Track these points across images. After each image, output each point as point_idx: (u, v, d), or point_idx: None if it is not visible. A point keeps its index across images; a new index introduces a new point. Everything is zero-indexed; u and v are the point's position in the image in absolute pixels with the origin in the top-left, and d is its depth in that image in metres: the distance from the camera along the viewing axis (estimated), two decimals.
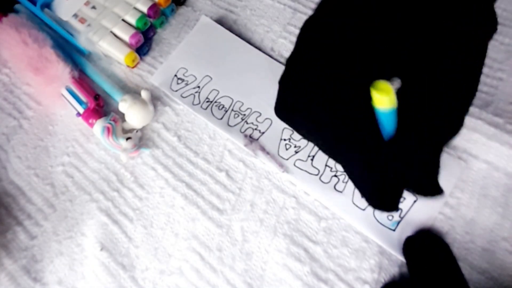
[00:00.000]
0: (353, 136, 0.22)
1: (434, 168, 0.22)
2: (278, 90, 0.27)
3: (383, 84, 0.19)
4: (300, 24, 0.40)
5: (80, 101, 0.37)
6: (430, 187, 0.23)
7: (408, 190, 0.24)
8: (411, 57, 0.21)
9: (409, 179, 0.23)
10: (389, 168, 0.22)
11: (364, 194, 0.25)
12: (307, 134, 0.26)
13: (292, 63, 0.26)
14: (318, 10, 0.25)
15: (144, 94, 0.37)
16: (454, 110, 0.21)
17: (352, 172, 0.24)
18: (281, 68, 0.36)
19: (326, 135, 0.23)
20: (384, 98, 0.19)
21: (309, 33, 0.25)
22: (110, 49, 0.39)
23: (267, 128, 0.35)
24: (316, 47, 0.24)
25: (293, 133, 0.34)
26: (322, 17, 0.25)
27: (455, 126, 0.22)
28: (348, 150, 0.23)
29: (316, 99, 0.23)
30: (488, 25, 0.22)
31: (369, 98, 0.20)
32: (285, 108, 0.26)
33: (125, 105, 0.36)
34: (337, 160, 0.26)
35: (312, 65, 0.24)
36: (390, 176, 0.23)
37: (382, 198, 0.24)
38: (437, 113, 0.21)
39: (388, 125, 0.21)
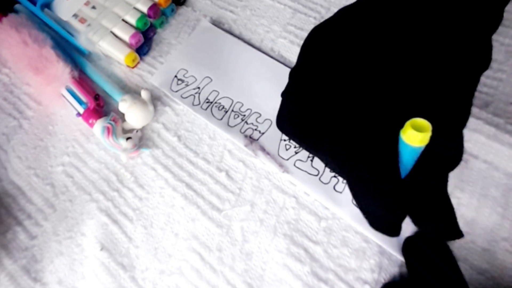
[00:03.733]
0: (368, 165, 0.21)
1: (452, 213, 0.22)
2: (281, 103, 0.27)
3: (421, 122, 0.18)
4: (300, 24, 0.40)
5: (80, 101, 0.37)
6: (451, 233, 0.22)
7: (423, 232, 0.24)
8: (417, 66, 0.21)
9: (426, 223, 0.22)
10: (402, 204, 0.21)
11: (368, 217, 0.24)
12: (311, 149, 0.26)
13: (297, 76, 0.25)
14: (328, 23, 0.25)
15: (144, 94, 0.37)
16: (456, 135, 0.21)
17: (358, 196, 0.24)
18: (281, 68, 0.37)
19: (335, 154, 0.23)
20: (420, 136, 0.18)
21: (316, 44, 0.24)
22: (110, 49, 0.39)
23: (267, 129, 0.35)
24: (324, 59, 0.23)
25: None
26: (330, 29, 0.24)
27: (458, 158, 0.21)
28: (361, 177, 0.22)
29: (330, 116, 0.22)
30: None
31: (392, 125, 0.19)
32: (291, 122, 0.25)
33: (125, 105, 0.36)
34: (343, 177, 0.25)
35: (321, 79, 0.23)
36: (401, 211, 0.22)
37: (387, 227, 0.24)
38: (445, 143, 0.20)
39: (410, 161, 0.20)
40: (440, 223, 0.22)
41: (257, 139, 0.34)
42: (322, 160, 0.27)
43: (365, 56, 0.22)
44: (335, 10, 0.39)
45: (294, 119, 0.25)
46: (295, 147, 0.33)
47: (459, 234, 0.22)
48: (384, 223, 0.24)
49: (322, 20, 0.39)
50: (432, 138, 0.18)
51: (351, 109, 0.22)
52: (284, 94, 0.26)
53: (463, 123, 0.21)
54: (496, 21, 0.23)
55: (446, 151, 0.20)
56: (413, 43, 0.21)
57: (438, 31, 0.21)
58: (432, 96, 0.21)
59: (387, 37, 0.22)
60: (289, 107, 0.26)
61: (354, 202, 0.31)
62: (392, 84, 0.21)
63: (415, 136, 0.18)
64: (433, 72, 0.21)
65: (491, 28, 0.23)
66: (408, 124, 0.19)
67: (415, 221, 0.23)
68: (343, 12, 0.25)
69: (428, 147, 0.19)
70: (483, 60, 0.22)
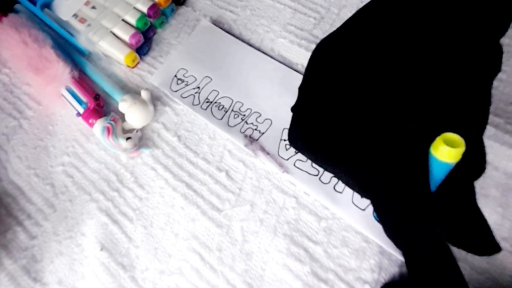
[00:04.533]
0: (398, 182, 0.20)
1: (486, 226, 0.21)
2: (292, 119, 0.26)
3: (453, 136, 0.18)
4: (300, 24, 0.40)
5: (80, 101, 0.37)
6: (488, 247, 0.21)
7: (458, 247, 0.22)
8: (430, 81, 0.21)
9: (464, 241, 0.21)
10: (435, 224, 0.21)
11: (391, 237, 0.24)
12: (327, 166, 0.25)
13: (307, 90, 0.24)
14: (336, 35, 0.24)
15: (144, 94, 0.37)
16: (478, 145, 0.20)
17: (384, 214, 0.23)
18: (281, 68, 0.37)
19: (358, 174, 0.22)
20: (453, 152, 0.18)
21: (324, 58, 0.24)
22: (110, 49, 0.39)
23: (267, 129, 0.35)
24: (334, 72, 0.22)
25: None
26: (337, 42, 0.24)
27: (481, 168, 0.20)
28: (389, 196, 0.21)
29: (345, 132, 0.21)
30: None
31: (415, 138, 0.19)
32: (303, 139, 0.25)
33: (125, 105, 0.36)
34: (365, 195, 0.25)
35: (332, 94, 0.22)
36: (431, 233, 0.21)
37: (412, 246, 0.23)
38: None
39: (440, 176, 0.19)
40: (475, 238, 0.21)
41: (257, 139, 0.34)
42: (339, 178, 0.26)
43: (375, 68, 0.22)
44: (335, 10, 0.40)
45: (306, 135, 0.24)
46: None
47: (496, 248, 0.21)
48: (410, 243, 0.23)
49: (321, 21, 0.39)
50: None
51: (366, 123, 0.21)
52: (294, 110, 0.26)
53: (482, 129, 0.20)
54: (506, 23, 0.23)
55: (470, 160, 0.20)
56: (423, 51, 0.21)
57: (447, 39, 0.21)
58: (449, 105, 0.20)
59: (396, 48, 0.21)
60: (300, 123, 0.25)
61: (354, 202, 0.31)
62: (406, 96, 0.21)
63: (448, 152, 0.18)
64: (447, 81, 0.21)
65: (501, 30, 0.22)
66: (439, 139, 0.18)
67: (448, 238, 0.22)
68: (349, 24, 0.24)
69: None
70: (495, 64, 0.22)
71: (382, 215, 0.24)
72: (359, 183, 0.23)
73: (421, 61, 0.21)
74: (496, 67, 0.22)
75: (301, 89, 0.25)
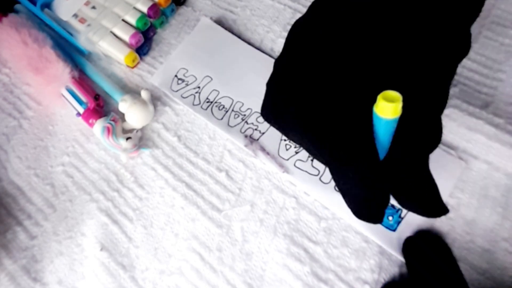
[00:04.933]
0: (345, 146, 0.21)
1: (435, 189, 0.22)
2: (265, 92, 0.27)
3: (392, 94, 0.18)
4: None
5: (80, 101, 0.37)
6: (435, 209, 0.22)
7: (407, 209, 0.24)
8: (395, 60, 0.21)
9: (410, 202, 0.22)
10: (383, 186, 0.21)
11: (349, 204, 0.24)
12: (294, 138, 0.26)
13: (281, 65, 0.26)
14: (309, 12, 0.25)
15: (144, 94, 0.37)
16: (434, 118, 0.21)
17: (339, 181, 0.24)
18: None
19: (314, 141, 0.23)
20: (390, 106, 0.18)
21: (299, 35, 0.25)
22: (110, 49, 0.39)
23: (267, 129, 0.35)
24: (306, 49, 0.24)
25: None
26: (313, 19, 0.24)
27: (437, 138, 0.21)
28: (337, 160, 0.22)
29: (308, 103, 0.23)
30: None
31: (366, 107, 0.19)
32: (273, 111, 0.26)
33: (125, 105, 0.36)
34: (326, 165, 0.25)
35: (303, 68, 0.23)
36: (382, 194, 0.22)
37: (369, 211, 0.24)
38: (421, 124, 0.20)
39: (386, 137, 0.20)
40: (424, 201, 0.22)
41: (257, 139, 0.34)
42: (308, 151, 0.27)
43: (345, 44, 0.22)
44: None
45: (277, 107, 0.25)
46: (295, 147, 0.33)
47: (444, 210, 0.22)
48: (367, 208, 0.24)
49: None
50: (408, 119, 0.18)
51: (331, 96, 0.22)
52: (268, 84, 0.26)
53: (440, 105, 0.21)
54: (476, 7, 0.23)
55: (424, 132, 0.20)
56: (392, 30, 0.22)
57: (417, 18, 0.21)
58: (410, 80, 0.21)
59: (367, 24, 0.22)
60: (272, 96, 0.26)
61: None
62: (370, 69, 0.21)
63: (387, 107, 0.18)
64: (411, 58, 0.21)
65: (471, 15, 0.23)
66: (379, 97, 0.18)
67: (399, 202, 0.23)
68: (322, 3, 0.25)
69: (405, 127, 0.19)
70: (460, 46, 0.22)
71: (338, 184, 0.24)
72: (320, 155, 0.24)
73: (388, 37, 0.21)
74: (462, 49, 0.22)
75: (275, 64, 0.26)
